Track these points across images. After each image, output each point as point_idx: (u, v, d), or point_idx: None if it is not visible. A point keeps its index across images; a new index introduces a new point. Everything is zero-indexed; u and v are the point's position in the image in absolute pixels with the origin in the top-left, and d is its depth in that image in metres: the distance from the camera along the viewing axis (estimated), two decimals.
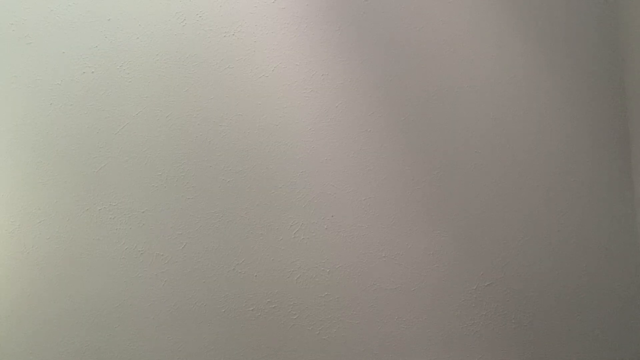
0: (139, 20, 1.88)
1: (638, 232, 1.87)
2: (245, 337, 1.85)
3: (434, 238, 1.87)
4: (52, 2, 1.87)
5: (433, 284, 1.87)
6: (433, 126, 1.89)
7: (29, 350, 1.83)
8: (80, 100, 1.87)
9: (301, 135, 1.88)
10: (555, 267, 1.87)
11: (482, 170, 1.88)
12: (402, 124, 1.89)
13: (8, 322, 1.83)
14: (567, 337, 1.86)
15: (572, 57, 1.90)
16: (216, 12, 1.88)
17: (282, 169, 1.87)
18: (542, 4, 1.91)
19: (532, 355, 1.86)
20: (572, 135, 1.89)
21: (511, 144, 1.89)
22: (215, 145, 1.87)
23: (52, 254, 1.84)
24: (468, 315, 1.86)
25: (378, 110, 1.89)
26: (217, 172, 1.87)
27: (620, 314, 1.86)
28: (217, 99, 1.88)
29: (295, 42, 1.89)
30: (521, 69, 1.89)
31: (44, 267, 1.84)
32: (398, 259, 1.87)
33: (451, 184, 1.88)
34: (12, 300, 1.83)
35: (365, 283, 1.85)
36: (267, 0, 1.89)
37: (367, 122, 1.89)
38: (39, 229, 1.84)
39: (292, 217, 1.86)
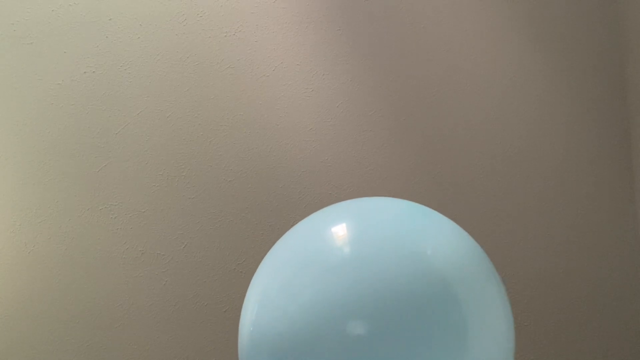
0: (140, 20, 1.88)
1: (639, 232, 1.88)
2: None
3: None
4: (53, 2, 1.87)
5: None
6: (434, 125, 1.89)
7: (29, 350, 1.82)
8: (81, 100, 1.87)
9: (302, 135, 1.88)
10: (556, 267, 1.87)
11: (483, 170, 1.89)
12: (402, 124, 1.89)
13: (8, 322, 1.82)
14: (567, 337, 1.86)
15: (573, 56, 1.90)
16: (217, 12, 1.89)
17: (283, 169, 1.87)
18: (542, 2, 1.91)
19: (532, 355, 1.86)
20: (573, 134, 1.89)
21: (512, 143, 1.89)
22: (216, 145, 1.87)
23: (52, 254, 1.83)
24: None
25: (379, 109, 1.89)
26: (217, 171, 1.87)
27: (621, 313, 1.87)
28: (218, 98, 1.88)
29: (296, 42, 1.89)
30: (522, 68, 1.90)
31: (44, 267, 1.83)
32: None
33: (452, 184, 1.88)
34: (12, 300, 1.83)
35: None
36: (268, 0, 1.89)
37: (368, 121, 1.89)
38: (40, 229, 1.84)
39: (292, 217, 1.86)
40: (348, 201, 1.24)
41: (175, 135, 1.87)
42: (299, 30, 1.89)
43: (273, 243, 1.85)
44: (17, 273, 1.83)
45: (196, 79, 1.88)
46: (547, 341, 1.86)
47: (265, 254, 1.87)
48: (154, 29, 1.88)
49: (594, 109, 1.89)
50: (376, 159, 1.88)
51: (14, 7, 1.87)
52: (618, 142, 1.89)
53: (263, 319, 1.07)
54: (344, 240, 1.08)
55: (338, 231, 1.10)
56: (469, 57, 1.90)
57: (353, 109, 1.89)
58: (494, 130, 1.89)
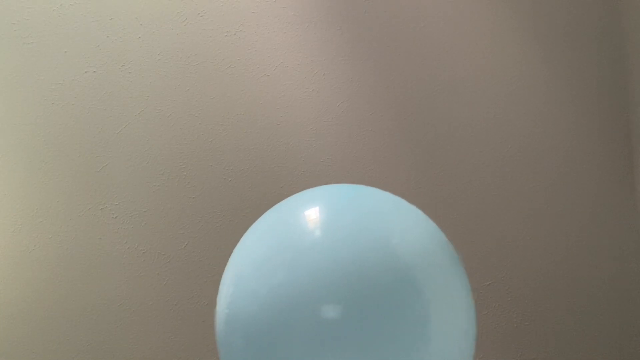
0: (140, 19, 1.88)
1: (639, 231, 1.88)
2: None
3: None
4: (54, 2, 1.87)
5: None
6: (434, 125, 1.89)
7: (30, 350, 1.83)
8: (81, 100, 1.87)
9: (302, 135, 1.88)
10: (556, 267, 1.87)
11: (483, 169, 1.89)
12: (403, 123, 1.89)
13: (9, 322, 1.83)
14: (567, 337, 1.86)
15: (574, 54, 1.90)
16: (217, 11, 1.89)
17: (283, 169, 1.87)
18: (544, 2, 1.91)
19: (532, 355, 1.86)
20: (574, 133, 1.89)
21: (512, 143, 1.89)
22: (217, 144, 1.87)
23: (53, 254, 1.84)
24: None
25: (379, 109, 1.89)
26: (218, 171, 1.87)
27: (621, 313, 1.87)
28: (219, 98, 1.88)
29: (297, 42, 1.89)
30: (522, 67, 1.89)
31: (45, 267, 1.84)
32: None
33: (452, 183, 1.88)
34: (13, 300, 1.83)
35: None
36: (268, 0, 1.89)
37: (368, 121, 1.89)
38: (41, 229, 1.84)
39: None
40: (320, 187, 1.27)
41: (176, 135, 1.87)
42: (299, 30, 1.89)
43: None
44: (18, 273, 1.83)
45: (197, 79, 1.88)
46: (547, 341, 1.86)
47: None
48: (154, 29, 1.88)
49: (596, 109, 1.89)
50: (376, 158, 1.88)
51: (15, 7, 1.87)
52: (620, 142, 1.88)
53: (237, 301, 1.09)
54: (313, 225, 1.10)
55: (308, 216, 1.12)
56: (469, 57, 1.90)
57: (353, 109, 1.89)
58: (494, 130, 1.89)
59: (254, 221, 1.85)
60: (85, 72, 1.87)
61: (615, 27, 1.89)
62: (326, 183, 1.87)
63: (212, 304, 1.84)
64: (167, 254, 1.85)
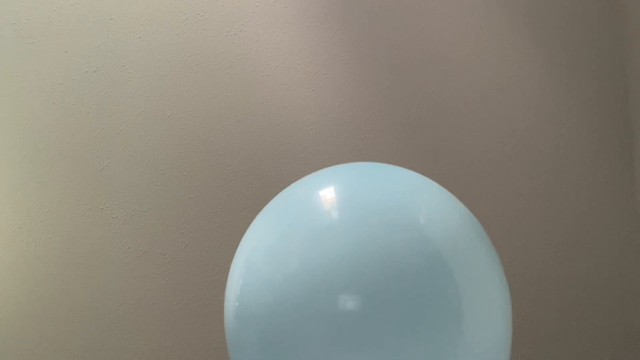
0: (141, 19, 1.88)
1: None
2: None
3: None
4: (55, 2, 1.87)
5: None
6: (435, 125, 1.89)
7: (31, 350, 1.82)
8: (82, 100, 1.87)
9: (302, 135, 1.88)
10: (556, 267, 1.88)
11: (484, 169, 1.89)
12: (403, 123, 1.89)
13: (10, 321, 1.82)
14: (567, 337, 1.86)
15: (574, 55, 1.90)
16: (218, 11, 1.89)
17: (284, 169, 1.87)
18: (543, 1, 1.91)
19: (532, 355, 1.86)
20: (574, 133, 1.89)
21: (513, 143, 1.89)
22: (217, 144, 1.87)
23: (54, 254, 1.84)
24: None
25: (380, 109, 1.89)
26: (219, 171, 1.87)
27: (621, 314, 1.87)
28: (219, 98, 1.88)
29: (297, 42, 1.89)
30: (523, 67, 1.90)
31: (45, 267, 1.83)
32: None
33: (453, 184, 1.88)
34: (14, 300, 1.83)
35: None
36: (268, 0, 1.89)
37: (369, 121, 1.89)
38: (41, 229, 1.84)
39: None
40: (336, 166, 1.16)
41: (176, 135, 1.87)
42: (299, 30, 1.89)
43: None
44: (18, 273, 1.83)
45: (197, 79, 1.88)
46: (547, 341, 1.87)
47: None
48: (154, 29, 1.88)
49: (594, 105, 1.89)
50: (377, 158, 1.88)
51: (15, 7, 1.87)
52: (619, 139, 1.89)
53: (249, 292, 0.97)
54: (331, 205, 0.99)
55: (325, 195, 1.00)
56: (468, 55, 1.90)
57: (354, 109, 1.89)
58: (494, 129, 1.89)
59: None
60: (86, 71, 1.87)
61: (615, 25, 1.90)
62: None
63: (212, 304, 1.85)
64: (167, 254, 1.85)
